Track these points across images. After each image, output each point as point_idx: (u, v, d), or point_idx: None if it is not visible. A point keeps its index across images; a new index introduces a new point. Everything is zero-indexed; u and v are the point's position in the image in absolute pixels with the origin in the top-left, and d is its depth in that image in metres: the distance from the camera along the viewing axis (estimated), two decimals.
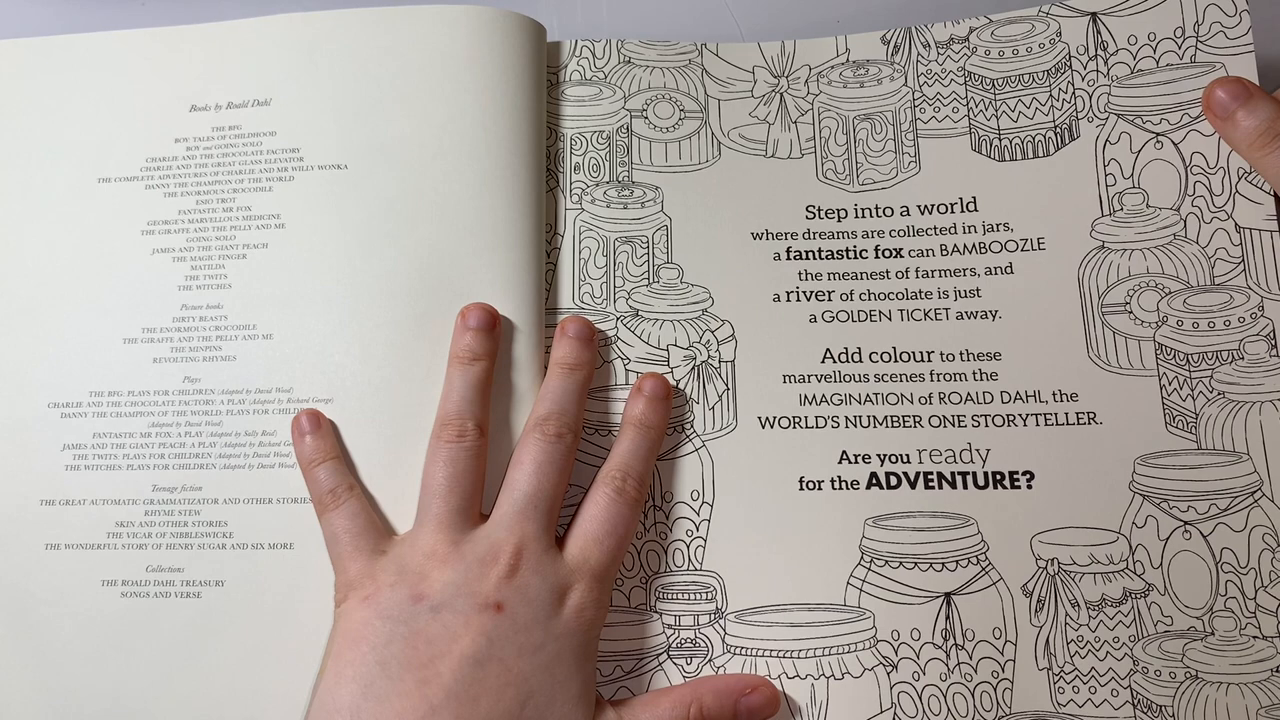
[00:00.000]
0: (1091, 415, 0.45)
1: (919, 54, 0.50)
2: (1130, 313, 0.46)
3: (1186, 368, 0.45)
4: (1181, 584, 0.43)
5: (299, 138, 0.48)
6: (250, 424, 0.46)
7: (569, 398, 0.44)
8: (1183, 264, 0.46)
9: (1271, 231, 0.45)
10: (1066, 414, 0.45)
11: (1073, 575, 0.43)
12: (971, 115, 0.49)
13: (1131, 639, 0.43)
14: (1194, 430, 0.44)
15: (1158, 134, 0.47)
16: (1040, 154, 0.48)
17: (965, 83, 0.49)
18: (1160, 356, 0.45)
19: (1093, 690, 0.42)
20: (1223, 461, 0.44)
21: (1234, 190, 0.46)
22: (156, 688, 0.44)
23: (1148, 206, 0.46)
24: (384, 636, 0.39)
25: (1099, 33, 0.49)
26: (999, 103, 0.49)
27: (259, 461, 0.45)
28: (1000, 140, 0.48)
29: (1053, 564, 0.43)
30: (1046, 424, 0.45)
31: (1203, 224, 0.46)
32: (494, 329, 0.45)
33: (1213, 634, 0.42)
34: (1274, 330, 0.44)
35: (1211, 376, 0.44)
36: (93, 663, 0.44)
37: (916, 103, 0.50)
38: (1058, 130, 0.48)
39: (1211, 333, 0.45)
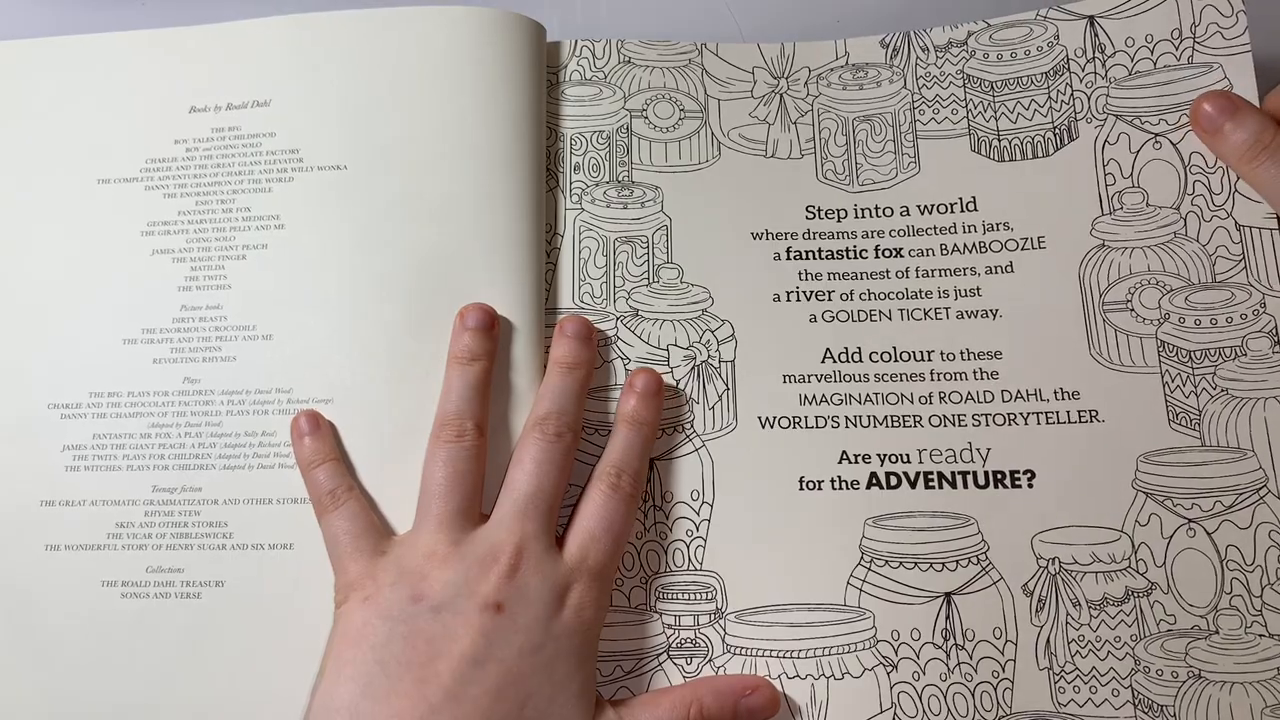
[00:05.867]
0: (1093, 413, 0.45)
1: (918, 57, 0.50)
2: (1132, 310, 0.45)
3: (1189, 364, 0.45)
4: (1185, 582, 0.43)
5: (299, 139, 0.48)
6: (250, 424, 0.46)
7: (568, 397, 0.44)
8: (1184, 262, 0.46)
9: (1271, 229, 0.45)
10: (1068, 412, 0.45)
11: (1074, 574, 0.43)
12: (971, 117, 0.49)
13: (1133, 638, 0.42)
14: (1197, 427, 0.44)
15: (1156, 134, 0.47)
16: (1039, 154, 0.48)
17: (964, 85, 0.49)
18: (1162, 353, 0.45)
19: (1093, 690, 0.42)
20: (1227, 458, 0.44)
21: (1233, 189, 0.46)
22: (156, 688, 0.44)
23: (1147, 205, 0.47)
24: (383, 636, 0.39)
25: (1096, 35, 0.49)
26: (998, 104, 0.49)
27: (259, 462, 0.45)
28: (999, 141, 0.48)
29: (1054, 563, 0.43)
30: (1048, 422, 0.45)
31: (1203, 222, 0.46)
32: (492, 329, 0.45)
33: (1217, 633, 0.42)
34: (1276, 326, 0.44)
35: (1214, 373, 0.44)
36: (93, 663, 0.44)
37: (916, 105, 0.50)
38: (1056, 131, 0.48)
39: (1214, 329, 0.45)
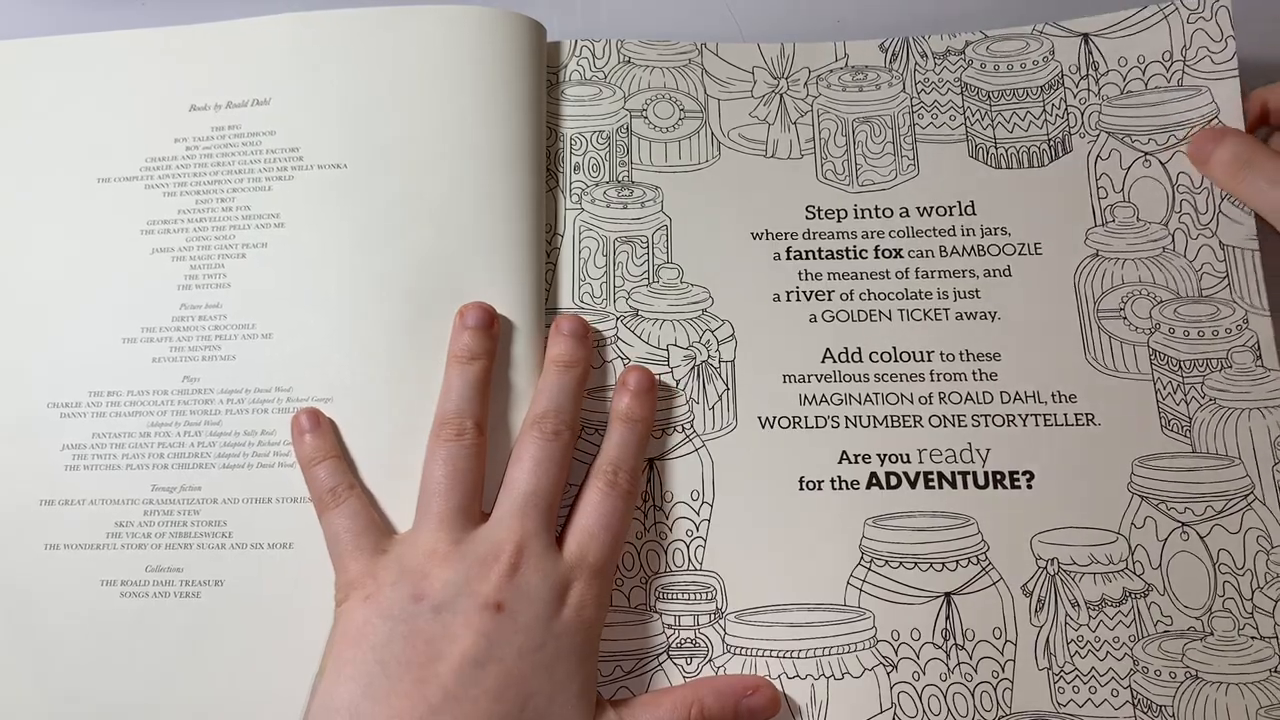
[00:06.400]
0: (1090, 417, 0.45)
1: (916, 63, 0.51)
2: (1125, 318, 0.46)
3: (1180, 373, 0.45)
4: (1180, 584, 0.43)
5: (298, 137, 0.48)
6: (249, 423, 0.46)
7: (565, 395, 0.44)
8: (1172, 275, 0.47)
9: (1253, 250, 0.46)
10: (1065, 415, 0.45)
11: (1073, 575, 0.43)
12: (968, 124, 0.49)
13: (1131, 639, 0.43)
14: (1188, 434, 0.45)
15: (1146, 153, 0.48)
16: (1034, 164, 0.49)
17: (962, 93, 0.50)
18: (1154, 361, 0.45)
19: (1093, 690, 0.42)
20: (1217, 465, 0.44)
21: (1218, 210, 0.47)
22: (156, 688, 0.43)
23: (1138, 220, 0.47)
24: (384, 636, 0.39)
25: (1090, 53, 0.50)
26: (994, 113, 0.49)
27: (258, 461, 0.45)
28: (996, 148, 0.49)
29: (1053, 564, 0.43)
30: (1046, 424, 0.45)
31: (1189, 240, 0.47)
32: (491, 328, 0.45)
33: (1212, 634, 0.42)
34: (1258, 342, 0.45)
35: (1203, 383, 0.45)
36: (92, 663, 0.44)
37: (914, 109, 0.50)
38: (1051, 143, 0.49)
39: (1201, 341, 0.45)
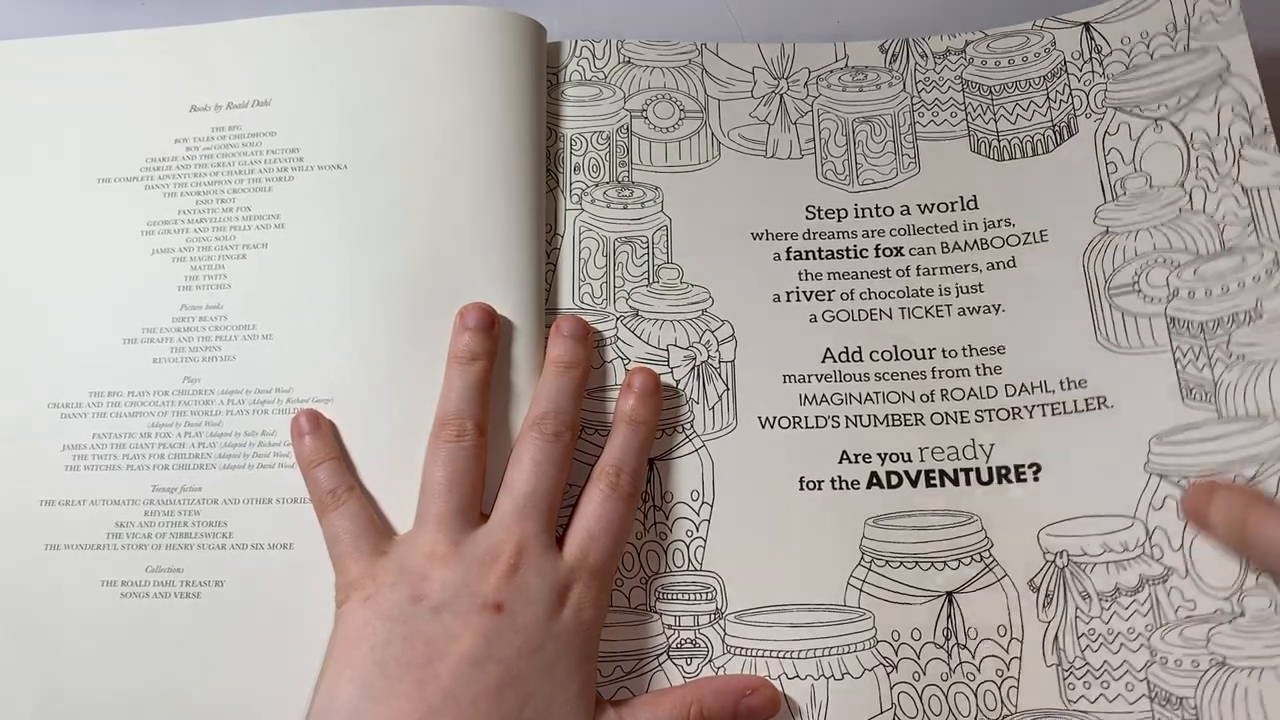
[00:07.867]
0: (1101, 400, 0.44)
1: (916, 63, 0.50)
2: (1139, 291, 0.45)
3: (1201, 336, 0.44)
4: (1205, 564, 0.42)
5: (299, 138, 0.48)
6: (250, 424, 0.46)
7: (565, 396, 0.44)
8: (1190, 236, 0.46)
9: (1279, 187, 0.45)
10: (1075, 401, 0.45)
11: (1083, 566, 0.43)
12: (970, 120, 0.49)
13: (1148, 628, 0.42)
14: (1213, 399, 0.43)
15: (1156, 119, 0.47)
16: (1039, 152, 0.48)
17: (963, 90, 0.50)
18: (1172, 329, 0.45)
19: (1105, 685, 0.41)
20: (1246, 427, 0.43)
21: (1238, 155, 0.46)
22: (156, 688, 0.43)
23: (1150, 187, 0.47)
24: (383, 637, 0.39)
25: (1092, 39, 0.49)
26: (997, 108, 0.49)
27: (259, 462, 0.45)
28: (999, 141, 0.49)
29: (1061, 556, 0.43)
30: (1054, 414, 0.44)
31: (1209, 194, 0.46)
32: (492, 328, 0.45)
33: (1242, 615, 0.41)
34: None
35: (1229, 340, 0.44)
36: (92, 663, 0.44)
37: (915, 107, 0.50)
38: (1056, 128, 0.49)
39: (1225, 297, 0.44)
